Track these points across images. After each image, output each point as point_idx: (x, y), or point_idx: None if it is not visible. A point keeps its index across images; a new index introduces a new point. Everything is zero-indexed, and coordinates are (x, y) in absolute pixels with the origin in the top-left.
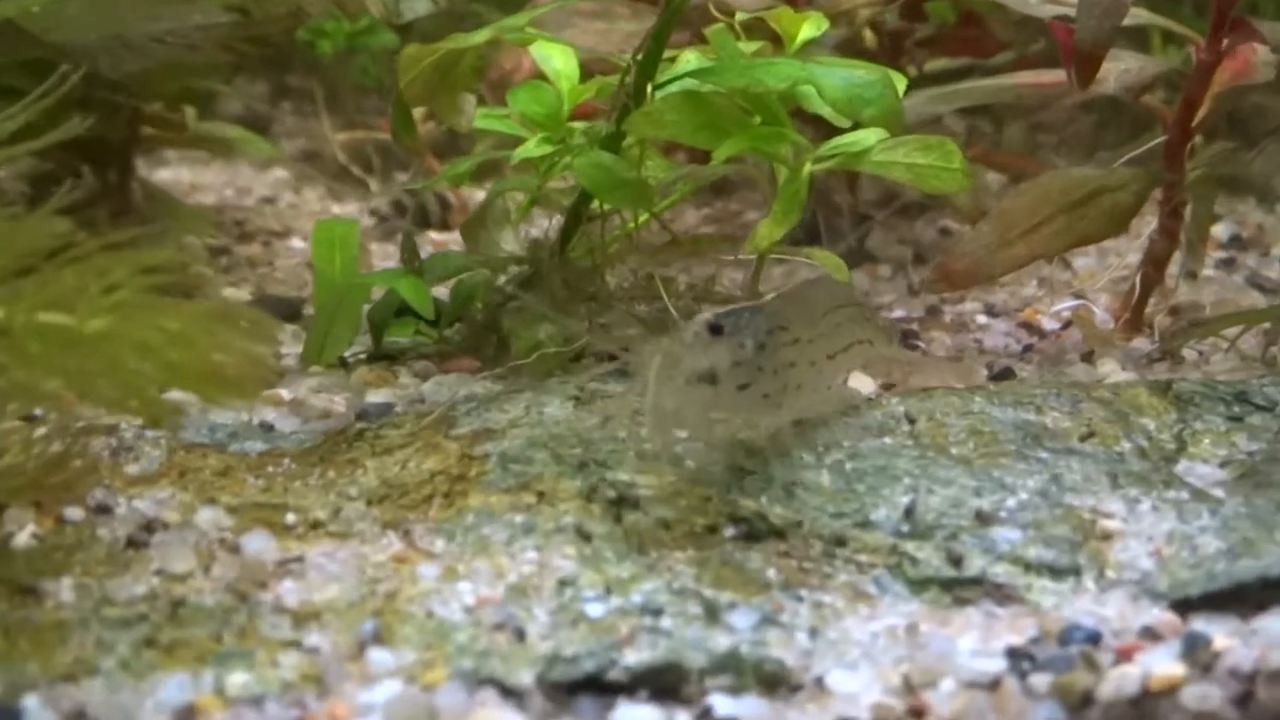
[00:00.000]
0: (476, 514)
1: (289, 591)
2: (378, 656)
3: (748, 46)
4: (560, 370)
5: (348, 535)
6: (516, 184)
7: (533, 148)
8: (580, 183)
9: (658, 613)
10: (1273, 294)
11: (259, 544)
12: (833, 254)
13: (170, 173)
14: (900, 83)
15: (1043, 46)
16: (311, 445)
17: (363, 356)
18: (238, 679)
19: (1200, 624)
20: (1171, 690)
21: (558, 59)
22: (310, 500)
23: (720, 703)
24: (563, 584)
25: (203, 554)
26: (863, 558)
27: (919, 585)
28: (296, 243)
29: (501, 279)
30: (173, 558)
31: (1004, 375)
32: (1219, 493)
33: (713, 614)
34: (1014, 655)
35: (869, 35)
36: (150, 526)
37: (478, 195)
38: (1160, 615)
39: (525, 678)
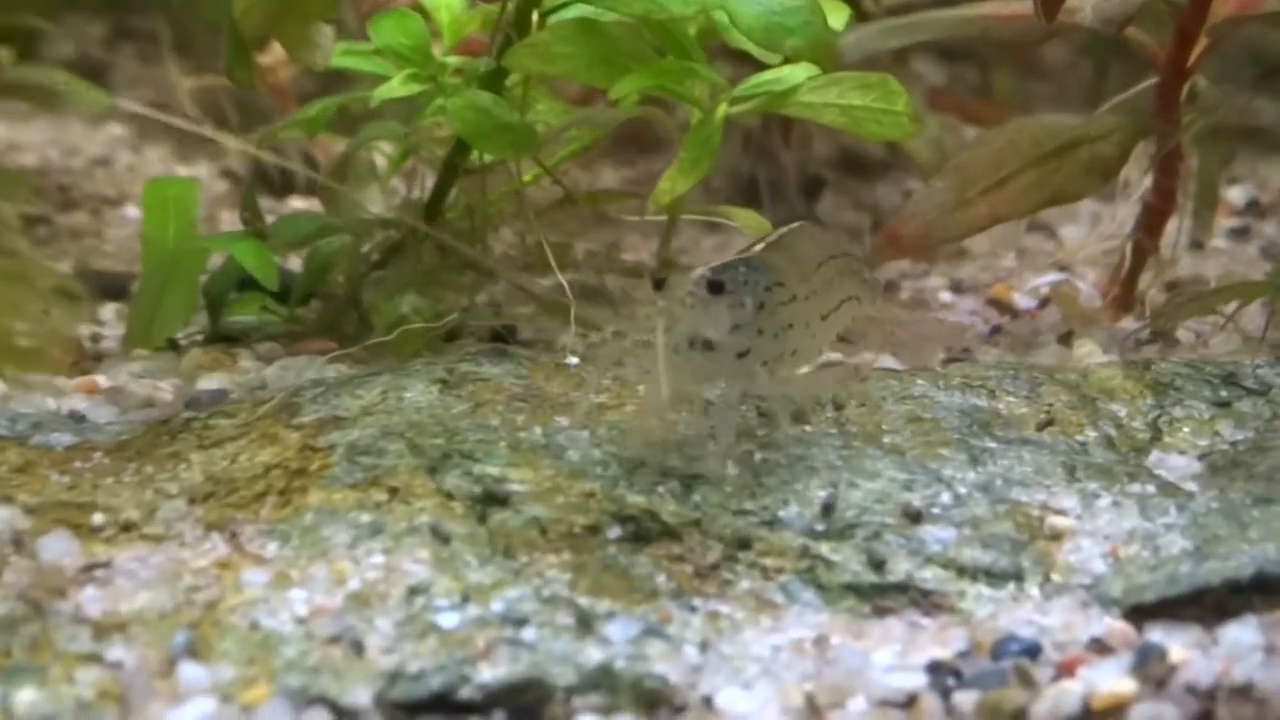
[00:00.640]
0: (316, 513)
1: (91, 600)
2: (190, 672)
3: None
4: (428, 350)
5: (164, 538)
6: (382, 132)
7: (397, 87)
8: (455, 129)
9: (521, 623)
10: None
11: (59, 547)
12: (756, 214)
13: None
14: (838, 13)
15: None
16: (129, 437)
17: (198, 338)
18: (25, 696)
19: (1156, 634)
20: (1118, 708)
21: None
22: (122, 499)
23: None
24: (412, 591)
25: None
26: (769, 561)
27: (833, 593)
28: (132, 211)
29: (365, 246)
30: None
31: (962, 358)
32: (1192, 486)
33: (586, 625)
34: (936, 670)
35: None
36: None
37: None
38: (1111, 624)
39: (361, 696)
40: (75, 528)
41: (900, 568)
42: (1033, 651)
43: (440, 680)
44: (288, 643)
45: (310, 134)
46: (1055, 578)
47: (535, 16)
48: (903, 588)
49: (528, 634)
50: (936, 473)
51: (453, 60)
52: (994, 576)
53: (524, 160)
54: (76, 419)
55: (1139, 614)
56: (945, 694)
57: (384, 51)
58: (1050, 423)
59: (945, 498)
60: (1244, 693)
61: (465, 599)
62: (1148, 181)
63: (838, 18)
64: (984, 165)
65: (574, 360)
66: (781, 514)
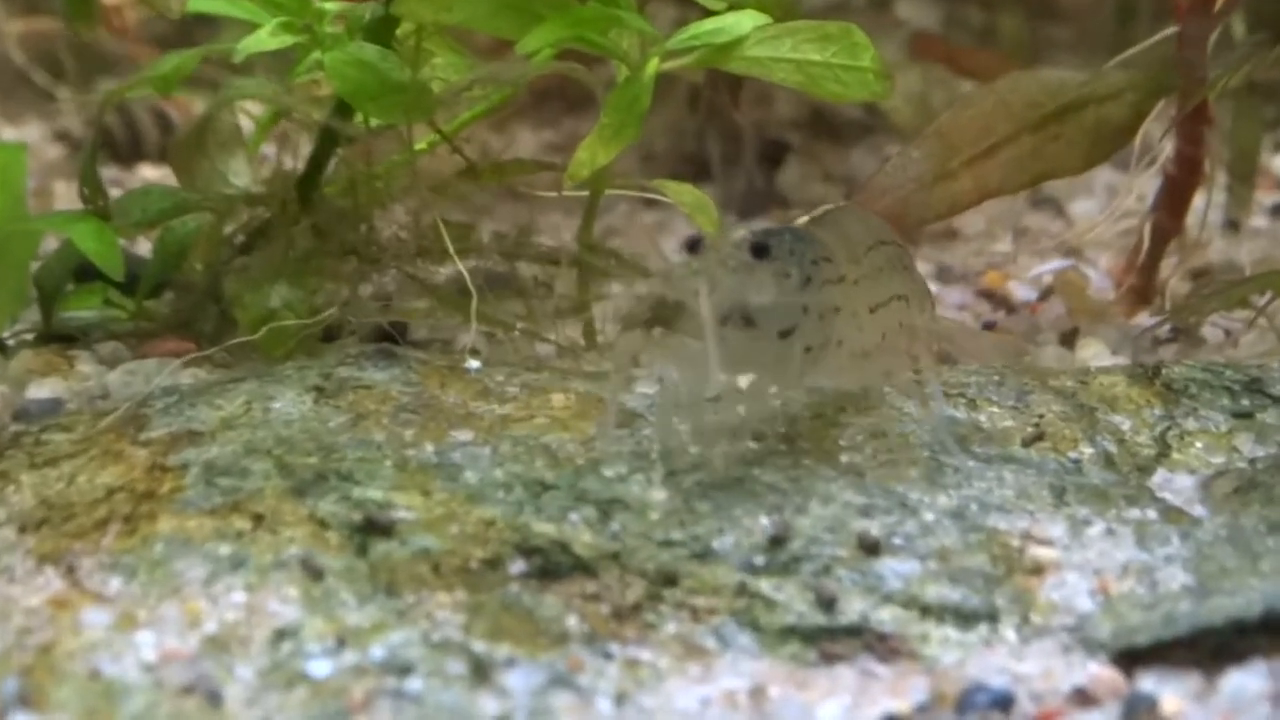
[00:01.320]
0: (167, 543)
1: None
2: None
3: None
4: (301, 352)
5: None
6: (249, 91)
7: (267, 38)
8: (334, 88)
9: (405, 672)
10: None
11: None
12: (694, 189)
13: None
14: None
15: None
16: None
17: (28, 337)
18: None
19: (1148, 682)
20: None
21: None
22: None
23: None
24: (279, 635)
25: None
26: (699, 601)
27: (775, 637)
28: None
29: (228, 226)
30: None
31: (943, 359)
32: (1200, 511)
33: (481, 673)
34: None
35: None
36: None
37: None
38: (1097, 671)
39: None
40: None
41: (853, 607)
42: (1005, 703)
43: None
44: (133, 693)
45: (163, 91)
46: (1034, 618)
47: None
48: (855, 630)
49: (413, 684)
50: (901, 497)
51: (332, 6)
52: (963, 617)
53: (418, 125)
54: None
55: (1129, 659)
56: None
57: None
58: (1039, 437)
59: (909, 526)
60: None
61: (340, 644)
62: (1170, 149)
63: None
64: (969, 130)
65: (475, 364)
66: (715, 545)
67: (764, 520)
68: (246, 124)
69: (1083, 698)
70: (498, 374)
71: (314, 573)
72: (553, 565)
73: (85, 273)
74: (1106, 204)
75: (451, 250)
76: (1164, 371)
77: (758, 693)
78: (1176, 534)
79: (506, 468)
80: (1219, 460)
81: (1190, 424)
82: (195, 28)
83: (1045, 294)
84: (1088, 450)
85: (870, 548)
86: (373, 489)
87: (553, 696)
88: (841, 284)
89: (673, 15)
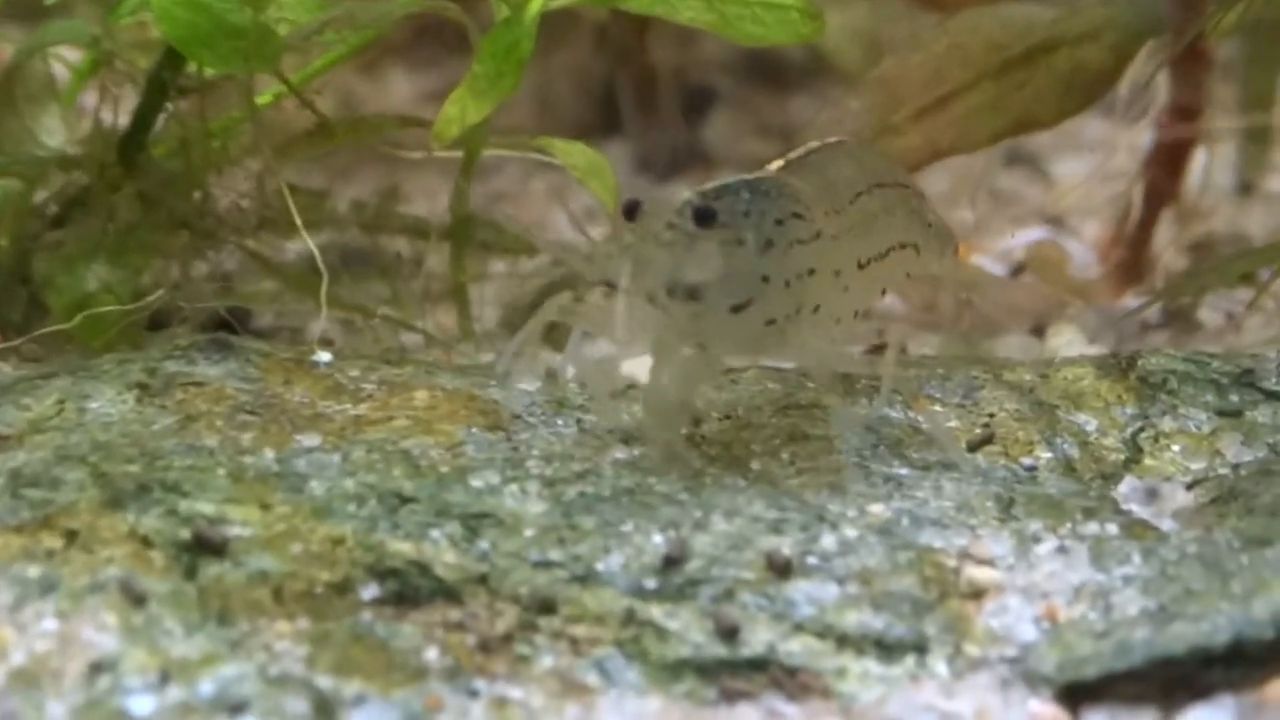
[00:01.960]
0: None
1: None
2: None
3: None
4: (123, 342)
5: None
6: (64, 35)
7: None
8: (162, 32)
9: (238, 710)
10: None
11: None
12: (585, 148)
13: None
14: None
15: None
16: None
17: None
18: None
19: None
20: None
21: None
22: None
23: None
24: (95, 668)
25: None
26: (580, 630)
27: (667, 671)
28: None
29: (38, 194)
30: None
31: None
32: (1168, 525)
33: (326, 712)
34: None
35: None
36: None
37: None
38: (1039, 709)
39: None
40: None
41: (759, 637)
42: None
43: None
44: None
45: None
46: (969, 649)
47: None
48: (761, 663)
49: None
50: (819, 509)
51: None
52: (886, 648)
53: (261, 75)
54: None
55: (1076, 694)
56: None
57: None
58: (988, 440)
59: (828, 543)
60: None
61: (165, 678)
62: (1163, 97)
63: None
64: (918, 78)
65: (325, 357)
66: (600, 566)
67: (657, 537)
68: (62, 73)
69: None
70: (352, 368)
71: (135, 597)
72: (410, 590)
73: None
74: (1105, 156)
75: (300, 222)
76: (1139, 363)
77: None
78: (1139, 551)
79: (359, 477)
80: (1198, 466)
81: (1167, 424)
82: None
83: (1016, 271)
84: (1044, 455)
85: (780, 569)
86: (203, 502)
87: None
88: (817, 242)
89: None
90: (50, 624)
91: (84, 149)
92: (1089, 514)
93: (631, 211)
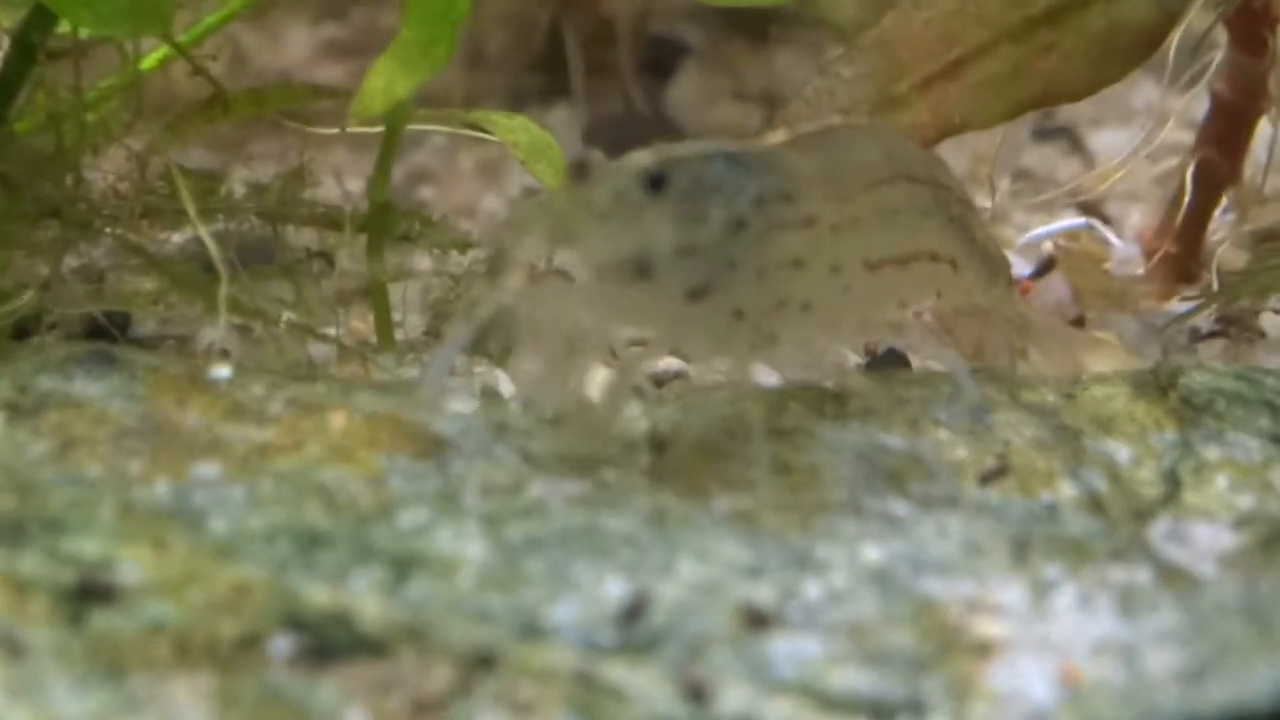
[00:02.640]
0: None
1: None
2: None
3: None
4: None
5: None
6: None
7: None
8: None
9: None
10: None
11: None
12: (529, 121)
13: None
14: None
15: None
16: None
17: None
18: None
19: None
20: None
21: None
22: None
23: None
24: None
25: None
26: (526, 691)
27: None
28: None
29: None
30: None
31: (881, 365)
32: (1208, 571)
33: None
34: None
35: None
36: None
37: None
38: None
39: None
40: None
41: (732, 698)
42: None
43: None
44: None
45: None
46: (974, 713)
47: None
48: None
49: None
50: (803, 552)
51: None
52: (879, 712)
53: (145, 37)
54: None
55: None
56: None
57: None
58: (1002, 472)
59: (813, 591)
60: None
61: None
62: (1220, 61)
63: None
64: (925, 39)
65: (224, 372)
66: (548, 617)
67: (614, 584)
68: None
69: None
70: (255, 385)
71: (12, 649)
72: (329, 643)
73: None
74: (1149, 133)
75: (191, 210)
76: (1181, 380)
77: None
78: (1173, 601)
79: (266, 514)
80: (1246, 502)
81: (1212, 453)
82: None
83: (1045, 267)
84: (1067, 490)
85: (758, 620)
86: (87, 541)
87: None
88: (809, 230)
89: None
90: None
91: None
92: (1116, 558)
93: (581, 171)
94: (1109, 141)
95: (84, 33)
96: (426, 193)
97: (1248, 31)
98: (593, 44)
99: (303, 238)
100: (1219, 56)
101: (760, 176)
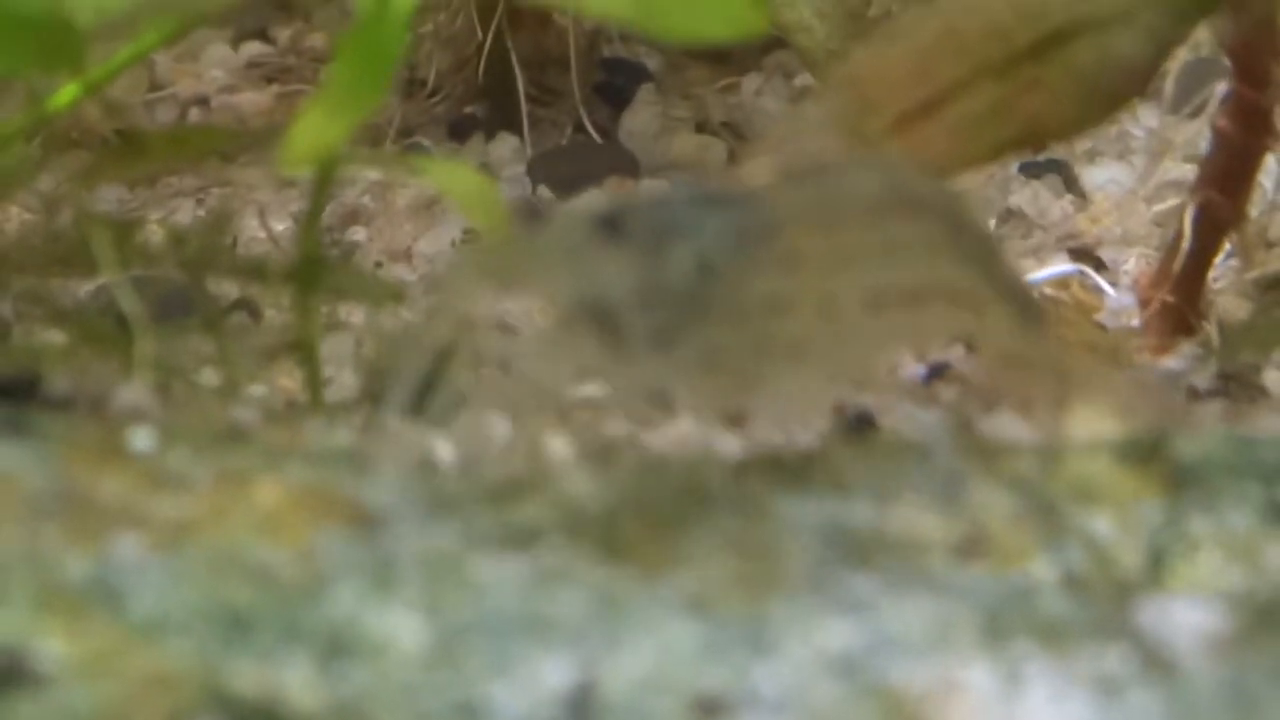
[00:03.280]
0: None
1: None
2: None
3: None
4: None
5: None
6: None
7: None
8: None
9: None
10: None
11: None
12: (467, 168)
13: None
14: None
15: None
16: None
17: None
18: None
19: None
20: None
21: None
22: None
23: None
24: None
25: None
26: None
27: None
28: None
29: None
30: None
31: (853, 429)
32: (1194, 656)
33: None
34: None
35: None
36: None
37: None
38: None
39: None
40: None
41: None
42: None
43: None
44: None
45: None
46: None
47: None
48: None
49: None
50: (759, 634)
51: None
52: None
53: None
54: None
55: None
56: None
57: None
58: (974, 549)
59: (769, 678)
60: None
61: None
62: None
63: None
64: (899, 75)
65: (143, 439)
66: (487, 702)
67: (558, 670)
68: None
69: None
70: (177, 452)
71: None
72: None
73: None
74: (1146, 169)
75: (105, 257)
76: (1170, 447)
77: None
78: (1153, 688)
79: (189, 592)
80: (1235, 580)
81: (1201, 525)
82: None
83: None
84: (1044, 568)
85: (708, 707)
86: (1, 618)
87: None
88: (797, 265)
89: None
90: None
91: None
92: (1095, 641)
93: (528, 217)
94: (1106, 177)
95: None
96: (359, 234)
97: (1251, 64)
98: (541, 69)
99: (225, 287)
100: (1222, 88)
101: (730, 210)
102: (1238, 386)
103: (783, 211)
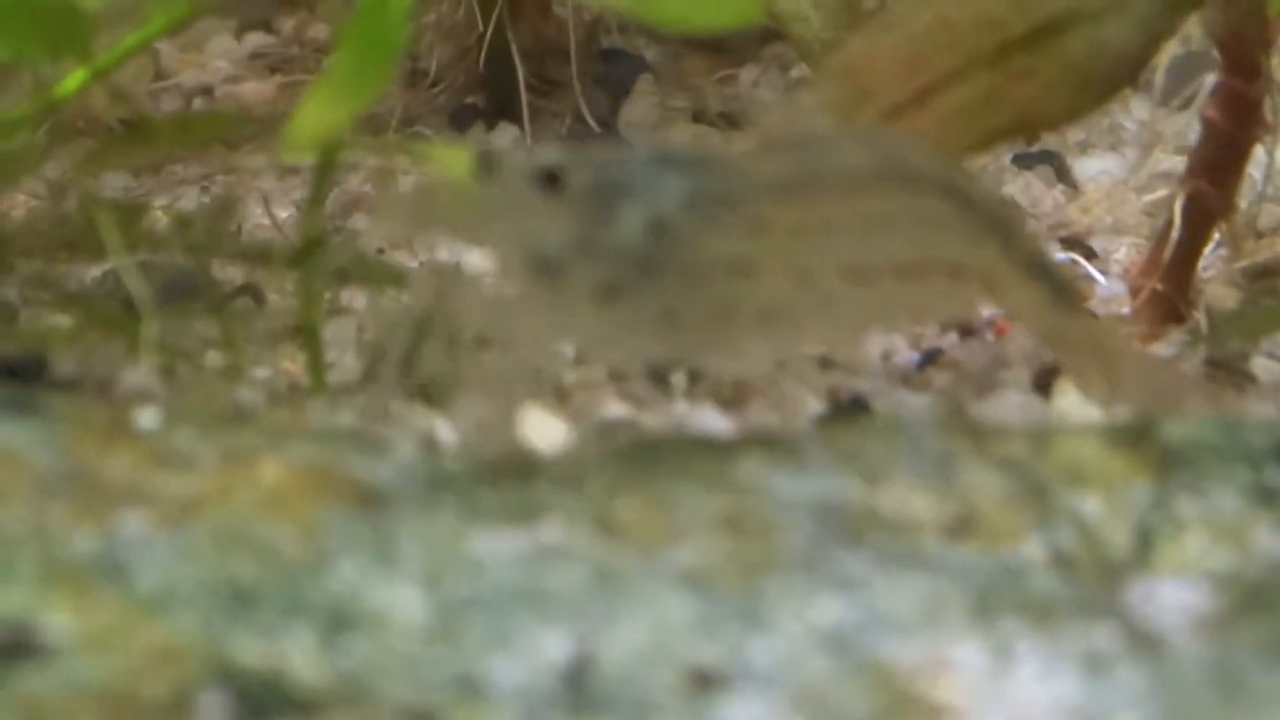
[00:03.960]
0: None
1: None
2: None
3: None
4: None
5: None
6: None
7: None
8: None
9: None
10: None
11: None
12: (464, 150)
13: None
14: None
15: None
16: None
17: None
18: None
19: None
20: None
21: None
22: None
23: None
24: None
25: None
26: None
27: None
28: None
29: None
30: None
31: (847, 412)
32: (1180, 634)
33: None
34: None
35: None
36: None
37: None
38: None
39: None
40: None
41: None
42: None
43: None
44: None
45: None
46: None
47: None
48: None
49: None
50: (751, 610)
51: None
52: None
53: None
54: None
55: None
56: None
57: None
58: (965, 528)
59: (762, 652)
60: None
61: None
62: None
63: None
64: (891, 65)
65: (149, 419)
66: (487, 677)
67: (556, 643)
68: None
69: None
70: (183, 432)
71: None
72: (261, 703)
73: None
74: (1136, 160)
75: (113, 241)
76: (1158, 431)
77: None
78: (1140, 665)
79: (194, 568)
80: (1221, 559)
81: (1189, 507)
82: None
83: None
84: (1034, 548)
85: (703, 680)
86: (8, 596)
87: None
88: (762, 230)
89: None
90: None
91: None
92: (1083, 619)
93: (488, 165)
94: (1097, 168)
95: None
96: (360, 221)
97: (1240, 56)
98: (540, 59)
99: (229, 272)
100: (1212, 80)
101: (689, 177)
102: (1225, 373)
103: (754, 177)
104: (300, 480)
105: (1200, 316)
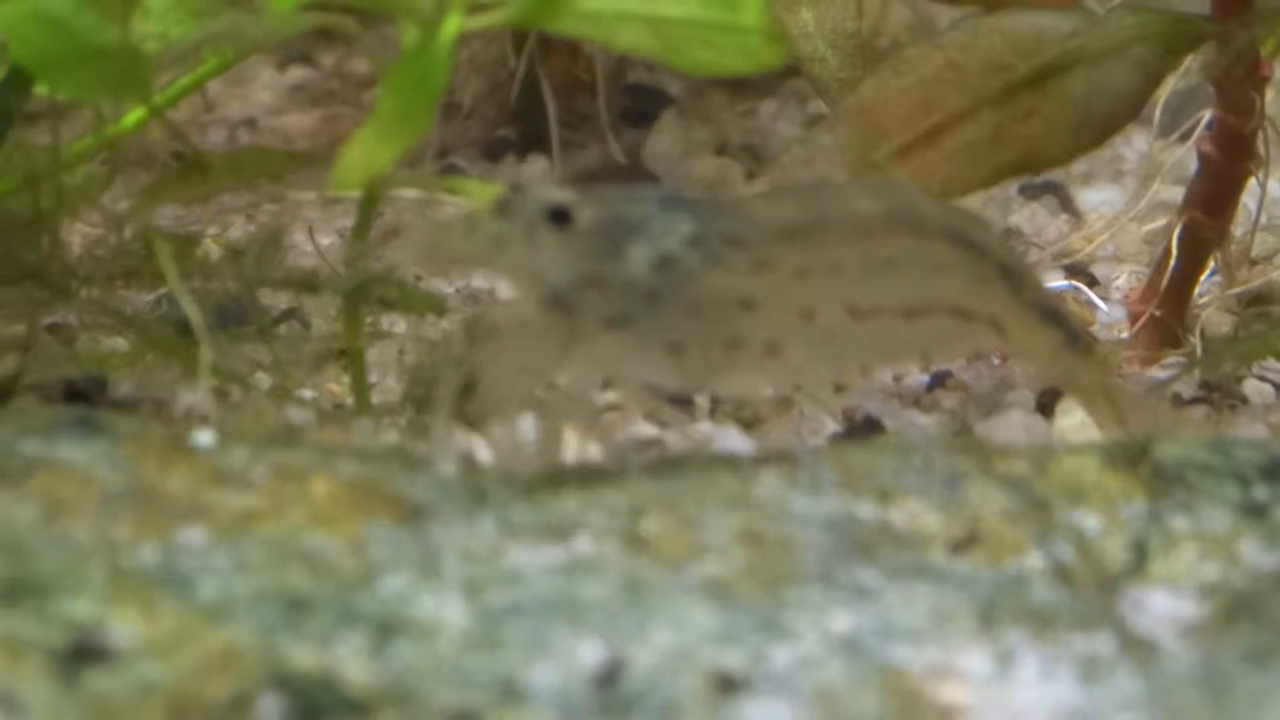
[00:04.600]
0: None
1: None
2: None
3: None
4: None
5: None
6: None
7: None
8: (9, 50)
9: None
10: None
11: None
12: (497, 185)
13: None
14: None
15: None
16: None
17: None
18: None
19: None
20: None
21: None
22: None
23: None
24: None
25: None
26: None
27: None
28: None
29: None
30: None
31: (861, 432)
32: (1172, 641)
33: None
34: None
35: None
36: None
37: None
38: None
39: None
40: None
41: None
42: None
43: None
44: None
45: None
46: None
47: None
48: None
49: None
50: (772, 620)
51: None
52: None
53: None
54: None
55: None
56: None
57: None
58: (971, 541)
59: (781, 658)
60: None
61: None
62: (1207, 120)
63: None
64: (903, 105)
65: (206, 438)
66: (526, 682)
67: (590, 650)
68: None
69: None
70: (237, 451)
71: (11, 707)
72: (314, 705)
73: None
74: (1136, 190)
75: (170, 272)
76: (1153, 451)
77: None
78: (1134, 671)
79: (252, 579)
80: (1211, 572)
81: (1180, 522)
82: None
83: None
84: (1035, 560)
85: (727, 686)
86: (79, 604)
87: None
88: (761, 272)
89: None
90: None
91: None
92: (1082, 628)
93: (504, 207)
94: (1099, 198)
95: (58, 95)
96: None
97: (1234, 93)
98: (570, 94)
99: (277, 298)
100: (1207, 115)
101: (697, 219)
102: (1219, 395)
103: (761, 219)
104: (349, 496)
105: (1196, 340)
